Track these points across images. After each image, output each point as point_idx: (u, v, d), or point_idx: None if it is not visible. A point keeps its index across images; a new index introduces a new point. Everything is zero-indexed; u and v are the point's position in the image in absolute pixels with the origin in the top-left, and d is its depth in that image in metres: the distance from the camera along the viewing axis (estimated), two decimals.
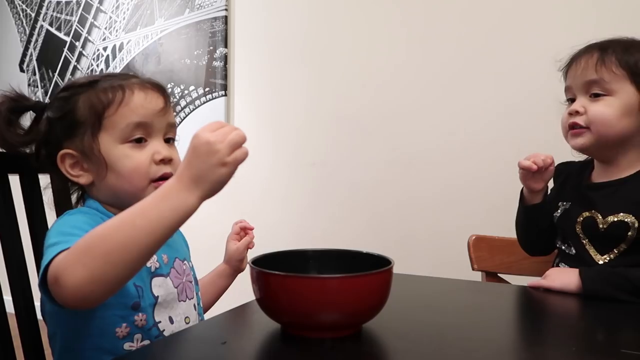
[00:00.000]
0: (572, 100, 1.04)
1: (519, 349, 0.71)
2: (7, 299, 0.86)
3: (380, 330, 0.72)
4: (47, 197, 0.95)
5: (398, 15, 2.11)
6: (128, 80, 0.85)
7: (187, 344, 0.69)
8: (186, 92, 2.52)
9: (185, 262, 0.93)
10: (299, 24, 2.31)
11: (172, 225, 0.63)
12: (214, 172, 0.62)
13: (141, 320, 0.82)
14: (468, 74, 1.99)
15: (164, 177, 0.83)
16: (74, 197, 0.92)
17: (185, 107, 2.52)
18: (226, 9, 2.44)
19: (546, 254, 1.17)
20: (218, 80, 2.46)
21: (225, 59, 2.44)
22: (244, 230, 1.11)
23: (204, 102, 2.48)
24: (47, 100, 0.88)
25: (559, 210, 1.09)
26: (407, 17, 2.10)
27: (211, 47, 2.47)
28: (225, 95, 2.45)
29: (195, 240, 1.08)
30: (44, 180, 0.98)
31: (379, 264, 0.73)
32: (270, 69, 2.38)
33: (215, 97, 2.46)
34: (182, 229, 0.98)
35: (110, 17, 2.73)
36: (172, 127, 0.87)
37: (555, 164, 1.08)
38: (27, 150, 0.87)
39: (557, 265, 1.07)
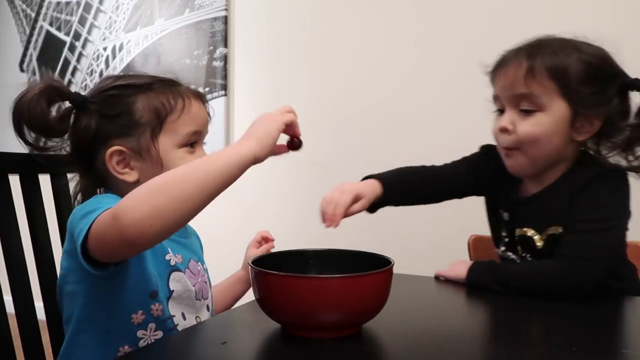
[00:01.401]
0: (501, 111, 0.99)
1: (519, 349, 0.71)
2: (7, 299, 0.86)
3: (380, 330, 0.72)
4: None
5: (397, 17, 2.11)
6: (179, 87, 0.90)
7: (187, 344, 0.70)
8: None
9: (199, 264, 0.94)
10: (299, 24, 2.31)
11: (223, 171, 0.70)
12: (265, 125, 0.76)
13: (157, 310, 0.83)
14: (469, 74, 1.98)
15: None
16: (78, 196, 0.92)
17: None
18: (226, 9, 2.44)
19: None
20: (218, 80, 2.46)
21: (225, 59, 2.45)
22: (264, 240, 1.15)
23: None
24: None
25: (503, 216, 1.05)
26: (406, 18, 2.10)
27: (211, 47, 2.47)
28: (225, 95, 2.45)
29: None
30: (45, 180, 0.97)
31: (379, 264, 0.73)
32: (270, 69, 2.38)
33: (215, 97, 2.46)
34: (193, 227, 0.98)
35: (110, 17, 2.73)
36: (207, 134, 0.95)
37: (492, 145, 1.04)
38: (54, 143, 0.88)
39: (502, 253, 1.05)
